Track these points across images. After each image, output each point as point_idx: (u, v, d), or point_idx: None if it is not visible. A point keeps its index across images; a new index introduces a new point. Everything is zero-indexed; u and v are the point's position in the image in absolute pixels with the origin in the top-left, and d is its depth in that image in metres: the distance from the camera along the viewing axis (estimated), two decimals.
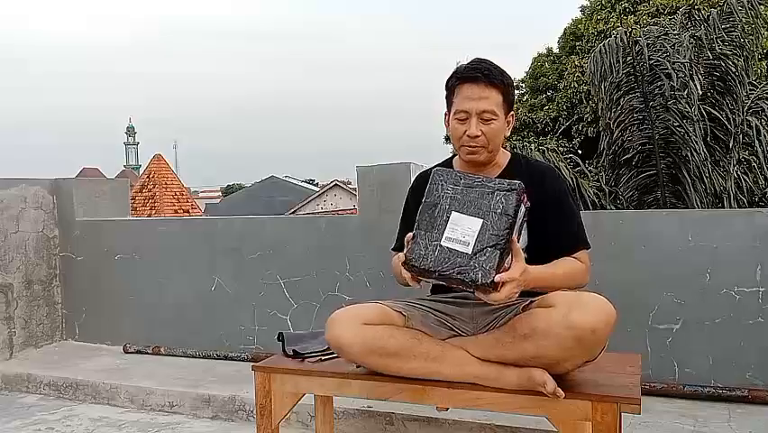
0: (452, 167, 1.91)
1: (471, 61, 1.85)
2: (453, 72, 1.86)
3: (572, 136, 13.53)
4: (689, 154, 5.73)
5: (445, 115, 1.92)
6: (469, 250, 1.56)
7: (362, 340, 1.73)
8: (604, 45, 6.21)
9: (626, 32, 6.11)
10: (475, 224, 1.58)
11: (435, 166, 2.04)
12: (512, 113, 1.89)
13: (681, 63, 5.76)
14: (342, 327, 1.76)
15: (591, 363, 1.65)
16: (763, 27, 6.58)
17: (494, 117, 1.81)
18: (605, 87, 6.20)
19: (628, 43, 5.96)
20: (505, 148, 1.99)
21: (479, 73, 1.80)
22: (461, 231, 1.58)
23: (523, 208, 1.62)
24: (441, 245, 1.58)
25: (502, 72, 1.83)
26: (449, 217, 1.61)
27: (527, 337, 1.59)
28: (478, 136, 1.81)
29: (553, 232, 1.82)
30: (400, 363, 1.73)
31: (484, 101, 1.79)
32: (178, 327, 3.63)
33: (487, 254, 1.55)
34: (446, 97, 1.90)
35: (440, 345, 1.74)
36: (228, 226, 3.60)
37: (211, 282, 3.55)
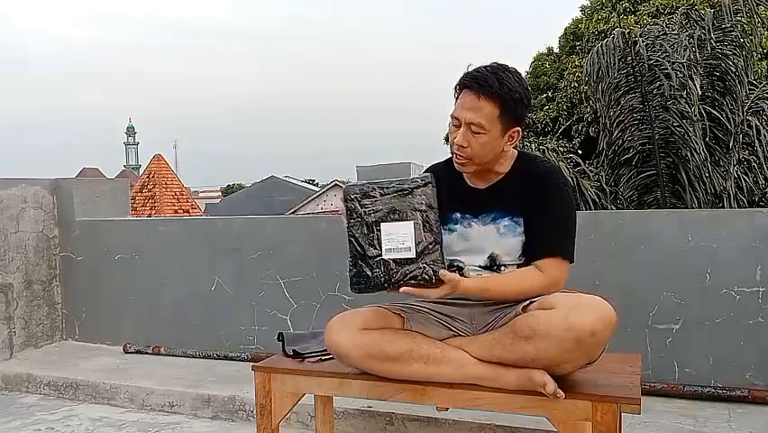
0: (452, 166, 1.89)
1: (478, 67, 1.76)
2: (462, 74, 1.79)
3: (572, 136, 13.52)
4: (688, 154, 5.72)
5: None
6: (413, 253, 1.61)
7: (361, 346, 1.74)
8: (601, 46, 6.18)
9: (623, 32, 6.09)
10: (407, 227, 1.62)
11: (437, 164, 2.04)
12: (517, 128, 1.77)
13: (680, 63, 5.75)
14: (340, 334, 1.76)
15: (591, 364, 1.65)
16: (762, 27, 6.57)
17: (482, 131, 1.72)
18: (602, 88, 6.18)
19: (627, 44, 5.94)
20: (516, 148, 1.89)
21: (474, 82, 1.71)
22: (398, 238, 1.62)
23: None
24: (384, 259, 1.62)
25: (505, 84, 1.70)
26: (380, 230, 1.63)
27: (527, 339, 1.59)
28: (463, 147, 1.75)
29: (534, 233, 1.77)
30: (400, 367, 1.73)
31: (474, 113, 1.71)
32: (178, 327, 3.63)
33: (431, 251, 1.61)
34: None
35: (439, 348, 1.74)
36: (228, 226, 3.60)
37: (211, 282, 3.55)
